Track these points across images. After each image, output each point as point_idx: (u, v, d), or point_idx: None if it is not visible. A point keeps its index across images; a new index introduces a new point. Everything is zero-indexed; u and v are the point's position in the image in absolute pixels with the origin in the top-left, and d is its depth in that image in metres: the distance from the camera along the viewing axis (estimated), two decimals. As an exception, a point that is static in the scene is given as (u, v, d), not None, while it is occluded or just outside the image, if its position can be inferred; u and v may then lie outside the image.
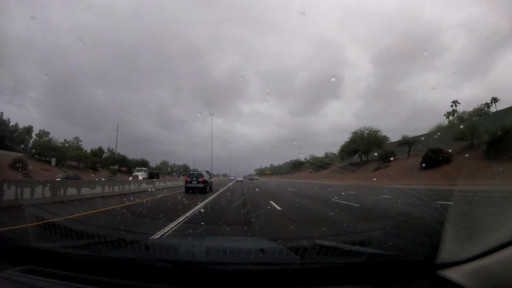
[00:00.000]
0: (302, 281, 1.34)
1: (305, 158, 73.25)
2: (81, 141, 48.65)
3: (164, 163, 64.08)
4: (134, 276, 1.38)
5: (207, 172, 20.57)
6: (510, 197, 7.35)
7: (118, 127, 49.03)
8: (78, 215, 6.77)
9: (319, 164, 54.38)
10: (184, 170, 65.60)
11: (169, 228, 4.93)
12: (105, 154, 48.90)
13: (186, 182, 15.69)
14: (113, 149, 49.65)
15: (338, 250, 1.67)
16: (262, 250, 1.76)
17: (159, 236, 4.31)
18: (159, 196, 13.15)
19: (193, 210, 7.43)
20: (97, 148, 48.28)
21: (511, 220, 1.53)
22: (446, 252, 1.39)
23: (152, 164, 54.40)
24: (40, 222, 2.93)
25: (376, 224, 5.60)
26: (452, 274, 1.25)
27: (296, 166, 76.61)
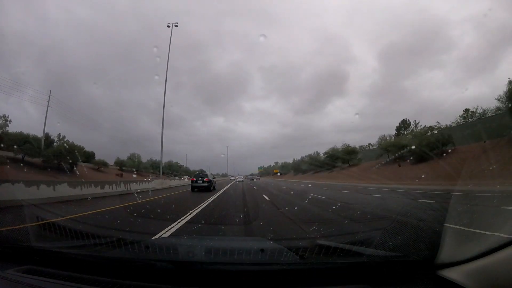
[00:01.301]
0: (302, 281, 1.34)
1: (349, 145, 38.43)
2: (10, 121, 29.53)
3: (133, 156, 42.68)
4: (134, 276, 1.38)
5: (202, 170, 23.11)
6: None
7: (50, 95, 30.87)
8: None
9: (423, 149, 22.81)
10: (168, 168, 50.20)
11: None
12: (56, 142, 31.50)
13: (192, 181, 18.51)
14: (64, 136, 32.61)
15: (338, 250, 1.67)
16: (262, 250, 1.76)
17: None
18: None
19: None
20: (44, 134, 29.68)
21: None
22: (446, 252, 1.39)
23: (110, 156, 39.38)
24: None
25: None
26: (452, 274, 1.25)
27: (347, 154, 38.02)
